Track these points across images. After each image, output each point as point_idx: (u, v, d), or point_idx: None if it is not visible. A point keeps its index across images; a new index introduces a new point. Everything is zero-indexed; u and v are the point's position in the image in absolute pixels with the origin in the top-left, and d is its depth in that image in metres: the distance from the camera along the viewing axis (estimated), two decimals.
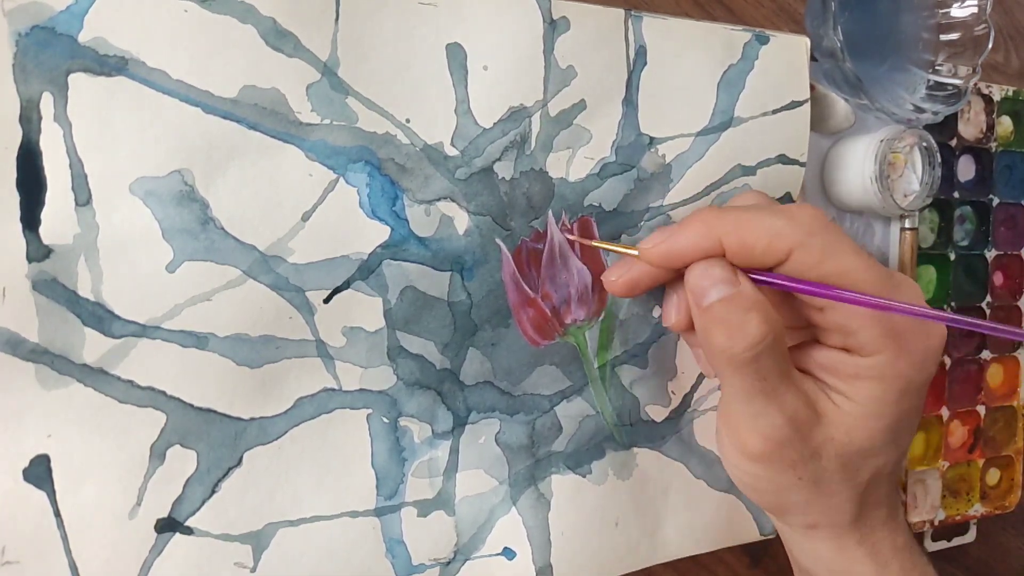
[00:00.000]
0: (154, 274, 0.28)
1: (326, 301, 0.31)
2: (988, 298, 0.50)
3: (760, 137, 0.39)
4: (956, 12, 0.44)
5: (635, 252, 0.32)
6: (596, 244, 0.35)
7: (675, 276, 0.32)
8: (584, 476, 0.36)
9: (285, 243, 0.30)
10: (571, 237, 0.35)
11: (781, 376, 0.29)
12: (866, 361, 0.29)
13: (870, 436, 0.30)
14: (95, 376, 0.28)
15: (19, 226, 0.27)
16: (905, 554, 0.32)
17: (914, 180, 0.44)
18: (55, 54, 0.27)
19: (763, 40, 0.39)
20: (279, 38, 0.30)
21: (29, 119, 0.27)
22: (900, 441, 0.31)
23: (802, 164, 0.40)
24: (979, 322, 0.27)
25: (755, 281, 0.29)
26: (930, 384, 0.31)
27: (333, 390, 0.32)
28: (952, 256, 0.48)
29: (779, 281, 0.29)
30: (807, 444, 0.30)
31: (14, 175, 0.27)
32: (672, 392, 0.39)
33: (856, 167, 0.43)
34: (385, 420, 0.33)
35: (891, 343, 0.29)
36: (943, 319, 0.28)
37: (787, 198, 0.40)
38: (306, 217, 0.31)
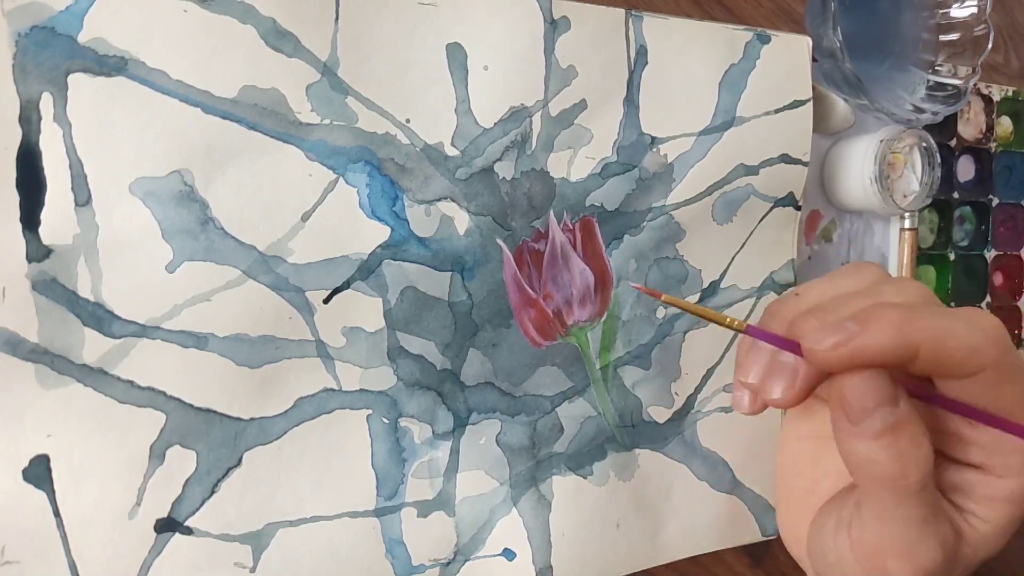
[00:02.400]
0: (154, 274, 0.28)
1: (326, 301, 0.31)
2: (988, 298, 0.50)
3: (762, 136, 0.39)
4: (956, 12, 0.44)
5: (796, 347, 0.26)
6: (690, 309, 0.28)
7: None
8: (585, 477, 0.36)
9: (285, 243, 0.30)
10: (646, 292, 0.28)
11: (938, 503, 0.27)
12: (1002, 482, 0.27)
13: (992, 551, 0.29)
14: (95, 376, 0.28)
15: (19, 226, 0.27)
16: None
17: (914, 180, 0.44)
18: (55, 54, 0.27)
19: (765, 39, 0.39)
20: (279, 38, 0.30)
21: (29, 119, 0.27)
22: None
23: (805, 164, 0.40)
24: None
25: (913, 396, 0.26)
26: None
27: (333, 390, 0.32)
28: (952, 256, 0.48)
29: (947, 403, 0.26)
30: (952, 571, 0.28)
31: (14, 175, 0.27)
32: (675, 393, 0.39)
33: (856, 167, 0.43)
34: (385, 420, 0.33)
35: None
36: None
37: (790, 198, 0.40)
38: (306, 217, 0.31)
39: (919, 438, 0.25)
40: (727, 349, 0.40)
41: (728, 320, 0.27)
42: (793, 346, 0.26)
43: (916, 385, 0.27)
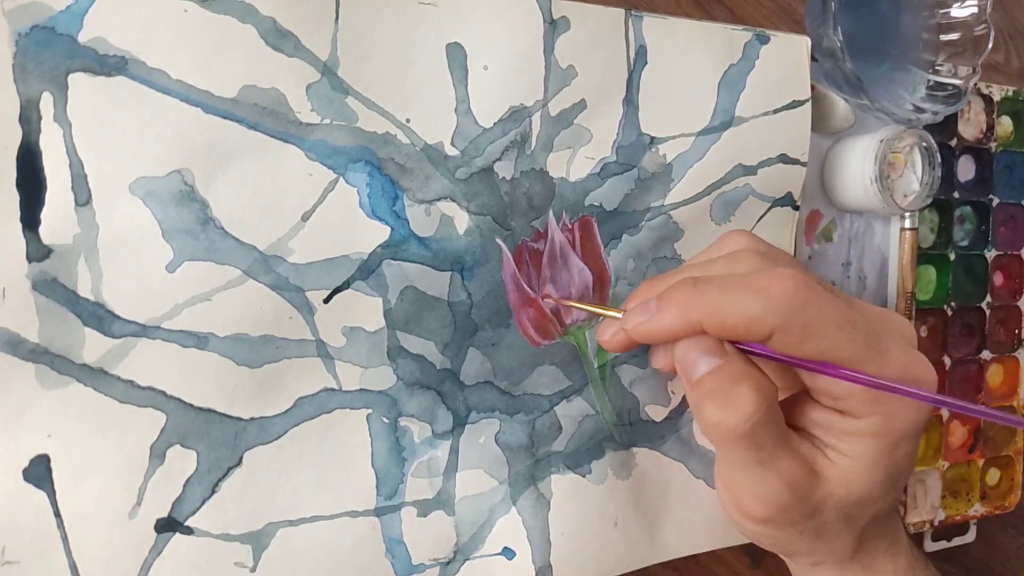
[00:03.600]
0: (154, 274, 0.28)
1: (326, 301, 0.31)
2: (988, 298, 0.50)
3: (761, 137, 0.39)
4: (956, 12, 0.44)
5: (619, 317, 0.32)
6: (578, 306, 0.35)
7: None
8: (584, 476, 0.36)
9: (285, 243, 0.30)
10: (553, 301, 0.35)
11: (777, 443, 0.29)
12: (858, 423, 0.29)
13: (867, 487, 0.30)
14: (95, 376, 0.28)
15: (19, 226, 0.27)
16: (908, 573, 0.33)
17: (914, 180, 0.44)
18: (55, 54, 0.27)
19: (764, 40, 0.39)
20: (279, 38, 0.30)
21: (29, 119, 0.27)
22: (897, 485, 0.32)
23: (803, 164, 0.40)
24: (970, 406, 0.27)
25: (743, 351, 0.29)
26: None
27: (333, 390, 0.32)
28: (952, 256, 0.48)
29: (764, 352, 0.29)
30: (807, 504, 0.30)
31: (14, 175, 0.27)
32: (672, 392, 0.39)
33: (856, 167, 0.43)
34: (385, 420, 0.33)
35: (880, 406, 0.29)
36: (926, 399, 0.28)
37: (788, 198, 0.40)
38: (306, 217, 0.31)
39: (738, 387, 0.28)
40: None
41: (611, 311, 0.33)
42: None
43: (749, 344, 0.29)
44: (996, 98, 0.49)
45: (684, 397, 0.39)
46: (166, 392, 0.29)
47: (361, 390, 0.32)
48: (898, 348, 0.29)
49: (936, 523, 0.48)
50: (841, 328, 0.28)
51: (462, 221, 0.33)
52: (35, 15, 0.26)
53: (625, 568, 0.37)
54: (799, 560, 0.34)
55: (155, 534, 0.29)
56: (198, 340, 0.29)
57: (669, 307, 0.29)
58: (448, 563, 0.34)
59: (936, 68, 0.45)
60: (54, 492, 0.27)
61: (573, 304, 0.35)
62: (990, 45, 0.43)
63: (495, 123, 0.34)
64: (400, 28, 0.32)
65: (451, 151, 0.33)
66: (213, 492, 0.30)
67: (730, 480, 0.31)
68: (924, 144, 0.44)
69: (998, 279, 0.51)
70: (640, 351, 0.37)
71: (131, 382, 0.28)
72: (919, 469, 0.47)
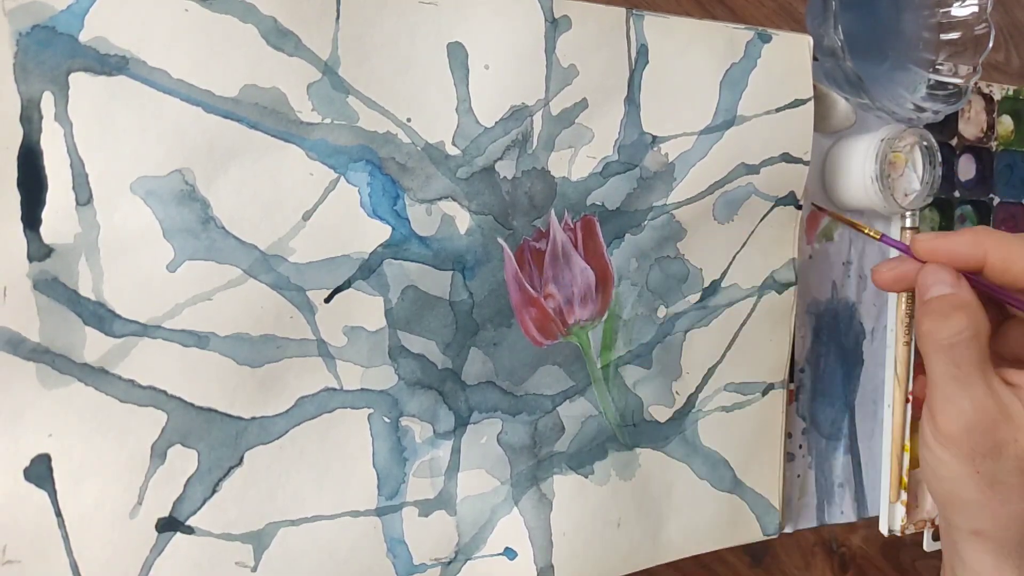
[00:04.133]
0: (155, 273, 0.28)
1: (327, 300, 0.31)
2: None
3: (764, 135, 0.39)
4: (956, 11, 0.44)
5: (904, 245, 0.36)
6: (846, 219, 0.41)
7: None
8: (586, 476, 0.36)
9: (286, 242, 0.30)
10: (828, 214, 0.39)
11: (975, 368, 0.31)
12: None
13: None
14: (96, 375, 0.28)
15: (20, 225, 0.27)
16: None
17: (915, 179, 0.44)
18: (56, 53, 0.27)
19: (766, 38, 0.39)
20: (280, 37, 0.30)
21: (30, 118, 0.27)
22: None
23: (806, 163, 0.40)
24: None
25: (974, 286, 0.33)
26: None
27: (334, 390, 0.32)
28: None
29: (992, 288, 0.33)
30: (989, 437, 0.31)
31: (15, 174, 0.26)
32: (676, 393, 0.39)
33: (857, 166, 0.43)
34: (386, 420, 0.33)
35: None
36: None
37: (791, 197, 0.40)
38: (307, 216, 0.31)
39: (955, 311, 0.32)
40: (727, 348, 0.40)
41: (867, 229, 0.40)
42: (906, 248, 0.36)
43: (985, 282, 0.34)
44: (997, 97, 0.49)
45: (688, 398, 0.39)
46: (167, 392, 0.29)
47: (362, 390, 0.32)
48: None
49: (936, 523, 0.48)
50: None
51: (463, 220, 0.33)
52: (36, 15, 0.26)
53: (627, 569, 0.37)
54: (962, 520, 0.33)
55: (156, 533, 0.29)
56: (199, 340, 0.29)
57: (964, 232, 0.34)
58: (449, 563, 0.34)
59: (937, 67, 0.45)
60: (55, 491, 0.27)
61: (855, 224, 0.40)
62: (990, 44, 0.43)
63: (496, 122, 0.34)
64: (401, 27, 0.32)
65: (452, 150, 0.33)
66: (214, 492, 0.30)
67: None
68: (925, 143, 0.44)
69: None
70: (643, 351, 0.37)
71: (132, 382, 0.28)
72: (920, 468, 0.47)
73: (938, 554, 0.49)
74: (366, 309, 0.32)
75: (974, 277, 0.34)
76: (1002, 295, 0.34)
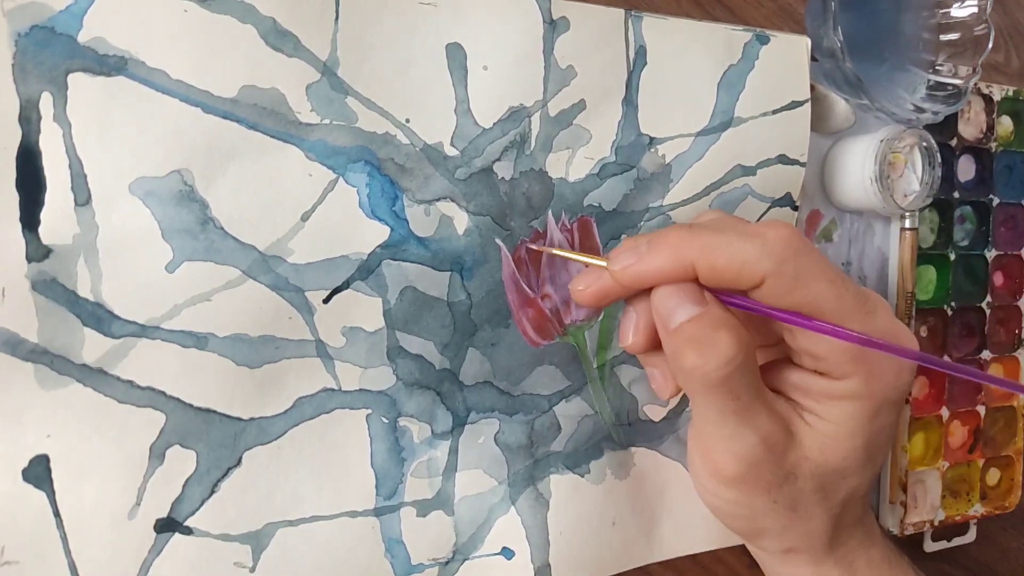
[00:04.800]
0: (154, 274, 0.28)
1: (326, 301, 0.31)
2: (988, 298, 0.50)
3: (760, 137, 0.39)
4: (956, 12, 0.44)
5: (603, 264, 0.30)
6: (562, 254, 0.34)
7: (640, 293, 0.31)
8: (582, 476, 0.36)
9: (285, 243, 0.30)
10: (534, 247, 0.34)
11: (754, 396, 0.29)
12: (838, 384, 0.29)
13: (844, 456, 0.30)
14: (95, 376, 0.28)
15: (18, 226, 0.27)
16: (883, 567, 0.32)
17: (914, 180, 0.44)
18: (54, 54, 0.27)
19: (763, 40, 0.39)
20: (279, 38, 0.30)
21: (28, 119, 0.27)
22: (875, 459, 0.31)
23: (802, 164, 0.40)
24: (944, 361, 0.27)
25: (723, 303, 0.29)
26: (917, 390, 0.31)
27: (332, 390, 0.32)
28: (952, 256, 0.48)
29: (746, 304, 0.29)
30: (781, 465, 0.29)
31: (13, 175, 0.27)
32: None
33: (856, 167, 0.43)
34: (384, 420, 0.33)
35: (862, 367, 0.29)
36: (907, 355, 0.27)
37: (787, 198, 0.40)
38: (306, 217, 0.31)
39: (718, 334, 0.27)
40: None
41: (593, 258, 0.31)
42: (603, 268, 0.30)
43: (730, 295, 0.29)
44: (996, 98, 0.49)
45: (682, 397, 0.39)
46: (166, 392, 0.29)
47: (360, 390, 0.32)
48: (882, 312, 0.29)
49: (936, 523, 0.48)
50: (832, 281, 0.28)
51: (461, 221, 0.33)
52: (35, 15, 0.26)
53: (623, 567, 0.37)
54: (771, 545, 0.33)
55: (154, 534, 0.29)
56: (198, 340, 0.29)
57: (662, 247, 0.28)
58: (447, 563, 0.34)
59: (936, 68, 0.45)
60: (53, 492, 0.27)
61: (557, 252, 0.34)
62: (990, 45, 0.43)
63: (494, 123, 0.34)
64: (400, 28, 0.32)
65: (451, 151, 0.33)
66: (212, 492, 0.30)
67: (703, 435, 0.30)
68: (924, 144, 0.44)
69: (998, 279, 0.51)
70: None
71: (131, 382, 0.28)
72: (919, 469, 0.47)
73: (939, 554, 0.49)
74: (364, 310, 0.32)
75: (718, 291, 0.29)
76: (755, 309, 0.29)
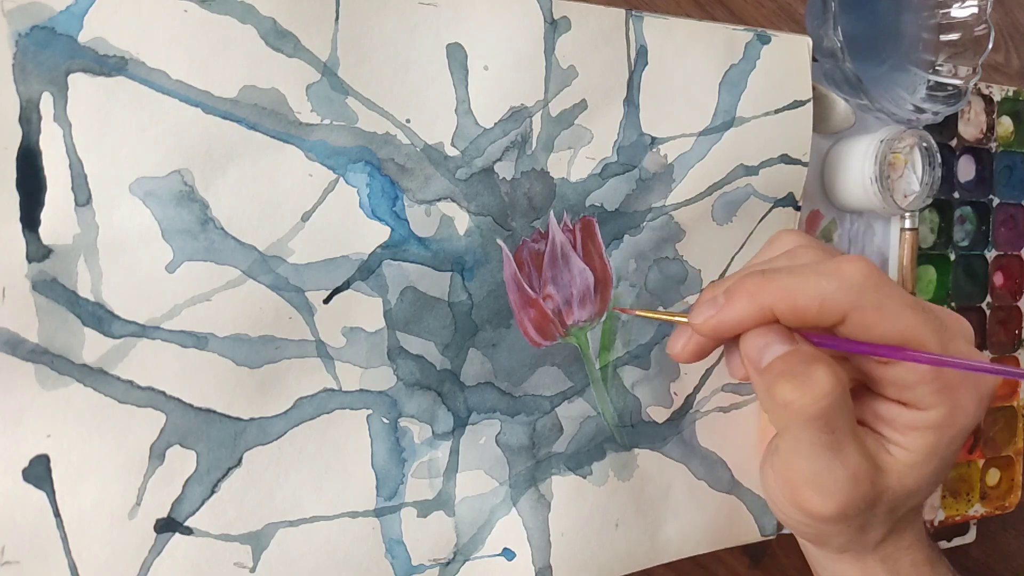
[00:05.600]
0: (154, 274, 0.28)
1: (326, 301, 0.31)
2: (988, 298, 0.50)
3: (762, 137, 0.39)
4: (956, 12, 0.44)
5: (686, 320, 0.31)
6: (649, 315, 0.34)
7: None
8: (585, 477, 0.36)
9: (285, 243, 0.30)
10: (621, 311, 0.36)
11: (847, 429, 0.28)
12: (923, 415, 0.29)
13: (919, 481, 0.30)
14: (95, 376, 0.28)
15: (19, 226, 0.27)
16: (925, 568, 0.33)
17: (914, 180, 0.44)
18: (55, 54, 0.27)
19: (765, 40, 0.39)
20: (279, 38, 0.30)
21: (29, 119, 0.27)
22: (941, 479, 0.31)
23: (804, 164, 0.40)
24: None
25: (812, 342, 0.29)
26: None
27: (333, 390, 0.32)
28: (952, 256, 0.48)
29: (833, 342, 0.29)
30: (867, 499, 0.29)
31: (14, 175, 0.26)
32: (674, 393, 0.39)
33: (856, 167, 0.43)
34: (385, 420, 0.33)
35: (947, 398, 0.29)
36: (1001, 372, 0.28)
37: (790, 198, 0.40)
38: (306, 217, 0.31)
39: (813, 367, 0.27)
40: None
41: (676, 316, 0.32)
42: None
43: (817, 335, 0.29)
44: (996, 98, 0.49)
45: (686, 399, 0.39)
46: (166, 392, 0.29)
47: (361, 390, 0.32)
48: (961, 340, 0.29)
49: (936, 523, 0.48)
50: (914, 310, 0.28)
51: (462, 221, 0.33)
52: (35, 15, 0.26)
53: (626, 569, 0.37)
54: (827, 549, 0.33)
55: (155, 534, 0.29)
56: (198, 340, 0.29)
57: (739, 296, 0.29)
58: (448, 564, 0.34)
59: (936, 68, 0.45)
60: (54, 492, 0.27)
61: (642, 313, 0.35)
62: (990, 45, 0.43)
63: (495, 123, 0.34)
64: (400, 28, 0.32)
65: (451, 151, 0.33)
66: (213, 492, 0.30)
67: (792, 470, 0.29)
68: (924, 144, 0.44)
69: (998, 279, 0.51)
70: (642, 352, 0.37)
71: (131, 382, 0.28)
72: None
73: None
74: (365, 310, 0.32)
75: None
76: (843, 346, 0.29)
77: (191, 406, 0.29)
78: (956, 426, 0.29)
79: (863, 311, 0.27)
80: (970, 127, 0.49)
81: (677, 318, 0.32)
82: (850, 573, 0.33)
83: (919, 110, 0.43)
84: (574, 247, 0.36)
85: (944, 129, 0.48)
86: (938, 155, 0.44)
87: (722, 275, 0.39)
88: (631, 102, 0.36)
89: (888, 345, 0.28)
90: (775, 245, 0.33)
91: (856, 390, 0.31)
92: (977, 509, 0.50)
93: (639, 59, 0.36)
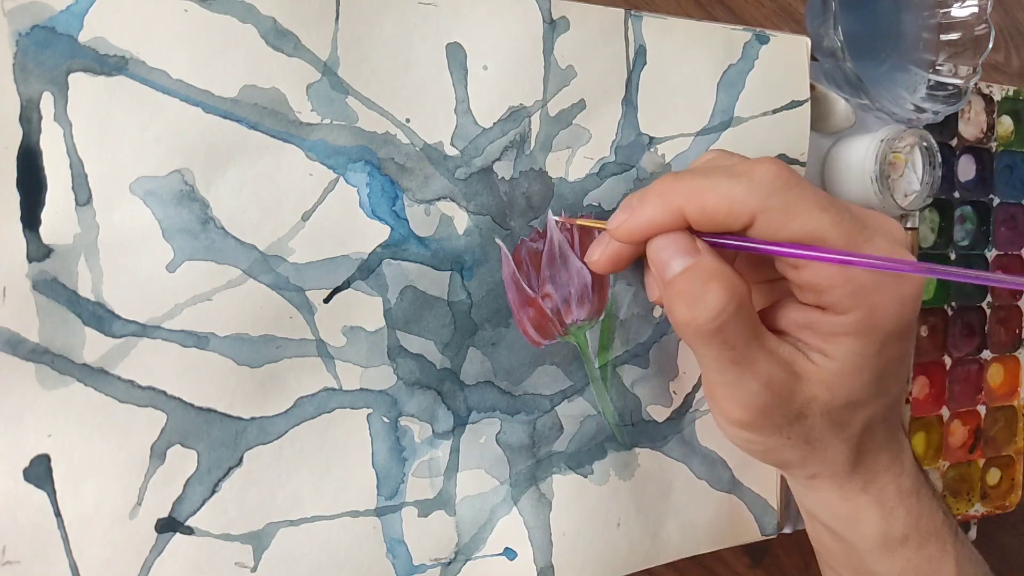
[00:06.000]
0: (154, 274, 0.28)
1: (326, 301, 0.31)
2: (988, 298, 0.50)
3: (760, 137, 0.39)
4: (956, 12, 0.44)
5: (605, 227, 0.31)
6: (575, 221, 0.35)
7: None
8: (585, 476, 0.36)
9: (285, 243, 0.30)
10: (559, 219, 0.35)
11: (750, 342, 0.28)
12: (841, 319, 0.29)
13: (853, 390, 0.29)
14: (95, 376, 0.28)
15: (19, 226, 0.27)
16: (912, 498, 0.32)
17: (914, 180, 0.44)
18: (55, 54, 0.27)
19: (763, 40, 0.39)
20: (279, 38, 0.30)
21: (29, 119, 0.27)
22: (888, 389, 0.31)
23: (802, 164, 0.40)
24: (950, 269, 0.25)
25: (714, 245, 0.29)
26: (918, 390, 0.30)
27: (333, 390, 0.32)
28: (952, 256, 0.48)
29: (741, 244, 0.29)
30: (789, 406, 0.29)
31: (14, 175, 0.27)
32: (674, 392, 0.39)
33: (856, 167, 0.43)
34: (385, 420, 0.33)
35: (863, 299, 0.28)
36: (912, 269, 0.26)
37: None
38: (306, 217, 0.31)
39: (707, 287, 0.28)
40: None
41: (597, 223, 0.33)
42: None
43: (725, 236, 0.29)
44: (996, 98, 0.49)
45: (685, 398, 0.39)
46: (166, 392, 0.29)
47: (361, 390, 0.32)
48: (882, 239, 0.28)
49: None
50: (825, 209, 0.27)
51: (461, 221, 0.33)
52: (35, 15, 0.26)
53: (627, 569, 0.37)
54: (795, 473, 0.33)
55: (155, 534, 0.29)
56: (198, 340, 0.29)
57: (650, 198, 0.29)
58: (449, 563, 0.34)
59: (936, 68, 0.45)
60: (54, 492, 0.27)
61: (575, 221, 0.35)
62: (990, 45, 0.43)
63: (494, 123, 0.34)
64: (400, 28, 0.32)
65: (451, 151, 0.33)
66: (213, 492, 0.30)
67: (709, 384, 0.30)
68: (925, 144, 0.44)
69: None
70: (640, 351, 0.37)
71: (131, 382, 0.28)
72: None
73: None
74: (365, 309, 0.32)
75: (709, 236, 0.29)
76: (743, 246, 0.29)
77: (192, 406, 0.29)
78: (879, 330, 0.29)
79: (770, 212, 0.27)
80: (970, 127, 0.49)
81: (598, 225, 0.33)
82: (832, 501, 0.32)
83: (919, 110, 0.43)
84: (572, 246, 0.36)
85: (944, 129, 0.48)
86: (938, 155, 0.44)
87: None
88: (629, 102, 0.36)
89: (793, 245, 0.27)
90: (700, 158, 0.33)
91: (780, 300, 0.31)
92: (977, 509, 0.49)
93: (638, 59, 0.36)
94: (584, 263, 0.36)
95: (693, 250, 0.29)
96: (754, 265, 0.33)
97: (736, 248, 0.29)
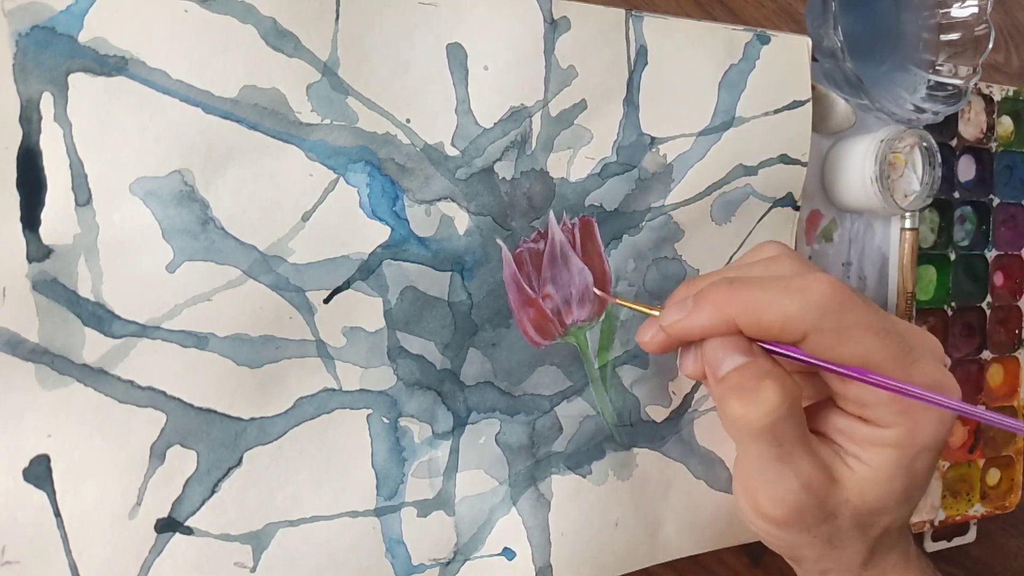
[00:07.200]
0: (154, 274, 0.28)
1: (326, 301, 0.31)
2: (988, 298, 0.50)
3: (762, 137, 0.39)
4: (956, 12, 0.44)
5: (656, 315, 0.32)
6: (625, 304, 0.35)
7: None
8: (584, 476, 0.36)
9: (285, 243, 0.30)
10: (599, 293, 0.36)
11: (797, 442, 0.29)
12: (881, 432, 0.30)
13: (883, 497, 0.30)
14: (95, 376, 0.28)
15: (19, 226, 0.27)
16: None
17: (914, 180, 0.44)
18: (55, 54, 0.27)
19: (764, 40, 0.39)
20: (279, 38, 0.30)
21: (29, 119, 0.27)
22: (912, 498, 0.32)
23: (804, 164, 0.40)
24: (995, 417, 0.27)
25: (771, 353, 0.30)
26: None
27: (333, 390, 0.32)
28: (952, 256, 0.48)
29: (792, 355, 0.29)
30: (823, 508, 0.30)
31: (14, 175, 0.27)
32: (672, 392, 0.39)
33: (856, 167, 0.43)
34: (385, 420, 0.33)
35: (906, 418, 0.29)
36: (954, 408, 0.28)
37: (788, 198, 0.40)
38: (306, 217, 0.31)
39: (762, 384, 0.28)
40: None
41: (649, 308, 0.33)
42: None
43: (778, 345, 0.30)
44: (996, 98, 0.49)
45: (684, 398, 0.39)
46: (166, 392, 0.29)
47: (361, 390, 0.32)
48: (927, 362, 0.29)
49: (936, 523, 0.48)
50: (876, 334, 0.28)
51: (462, 221, 0.33)
52: (35, 15, 0.26)
53: (626, 569, 0.37)
54: (807, 566, 0.34)
55: (155, 534, 0.29)
56: (198, 340, 0.29)
57: (705, 304, 0.30)
58: (448, 563, 0.34)
59: (936, 68, 0.45)
60: (54, 492, 0.27)
61: (617, 300, 0.36)
62: (990, 45, 0.43)
63: (495, 123, 0.34)
64: (400, 28, 0.32)
65: (451, 151, 0.33)
66: (213, 492, 0.30)
67: (748, 478, 0.31)
68: (924, 144, 0.44)
69: (998, 279, 0.51)
70: (640, 352, 0.37)
71: (131, 382, 0.28)
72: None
73: (939, 554, 0.49)
74: (365, 310, 0.32)
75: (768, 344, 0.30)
76: (801, 359, 0.29)
77: (191, 406, 0.29)
78: (916, 445, 0.30)
79: (823, 332, 0.28)
80: (970, 127, 0.49)
81: (649, 311, 0.33)
82: None
83: (919, 110, 0.43)
84: (573, 247, 0.36)
85: (944, 129, 0.48)
86: (938, 155, 0.44)
87: None
88: (631, 102, 0.36)
89: (847, 366, 0.28)
90: (758, 251, 0.34)
91: (822, 402, 0.32)
92: (977, 509, 0.50)
93: (639, 59, 0.36)
94: (585, 264, 0.36)
95: (748, 350, 0.29)
96: (800, 370, 0.33)
97: (786, 358, 0.30)
